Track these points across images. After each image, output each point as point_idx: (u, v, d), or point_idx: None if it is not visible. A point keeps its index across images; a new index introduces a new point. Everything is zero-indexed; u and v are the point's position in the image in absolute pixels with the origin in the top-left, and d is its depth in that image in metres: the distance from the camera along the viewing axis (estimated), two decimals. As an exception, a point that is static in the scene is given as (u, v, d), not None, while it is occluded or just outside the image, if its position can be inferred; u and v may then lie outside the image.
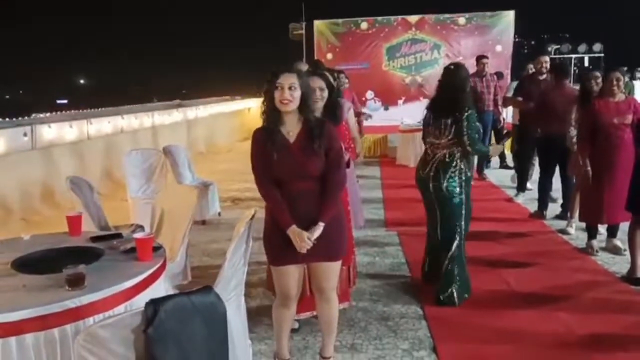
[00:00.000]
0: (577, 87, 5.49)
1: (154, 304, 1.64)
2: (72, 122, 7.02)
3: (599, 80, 4.66)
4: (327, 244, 2.52)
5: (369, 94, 12.65)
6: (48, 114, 7.53)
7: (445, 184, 3.61)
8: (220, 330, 1.81)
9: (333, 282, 2.66)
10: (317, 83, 2.98)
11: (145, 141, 8.77)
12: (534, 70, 6.54)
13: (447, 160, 3.64)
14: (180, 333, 1.67)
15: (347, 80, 6.73)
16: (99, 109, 8.93)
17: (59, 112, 7.94)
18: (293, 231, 2.45)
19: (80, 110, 8.20)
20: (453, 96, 3.60)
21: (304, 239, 2.43)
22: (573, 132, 4.99)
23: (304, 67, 4.50)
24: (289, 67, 2.52)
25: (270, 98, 2.44)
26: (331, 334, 2.77)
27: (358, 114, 6.89)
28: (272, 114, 2.46)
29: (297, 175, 2.45)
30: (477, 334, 3.22)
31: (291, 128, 2.49)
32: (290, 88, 2.40)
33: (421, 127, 9.85)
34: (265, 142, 2.46)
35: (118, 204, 5.77)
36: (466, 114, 3.52)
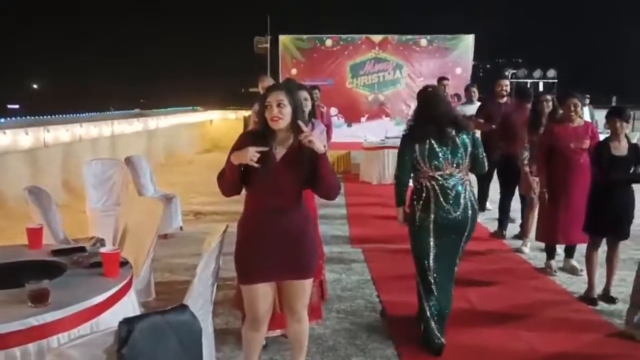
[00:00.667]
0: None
1: (128, 323, 1.58)
2: (27, 129, 6.76)
3: (550, 102, 4.88)
4: (298, 261, 2.50)
5: (333, 111, 12.75)
6: (2, 120, 7.22)
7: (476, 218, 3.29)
8: (195, 350, 1.75)
9: (304, 300, 2.63)
10: (303, 94, 2.99)
11: (104, 150, 8.54)
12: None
13: (472, 188, 3.30)
14: (155, 353, 1.61)
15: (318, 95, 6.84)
16: (57, 116, 8.63)
17: (15, 119, 7.63)
18: (238, 153, 2.36)
19: (39, 118, 7.89)
20: (454, 113, 3.34)
21: (249, 149, 2.32)
22: (525, 153, 5.17)
23: (270, 81, 4.54)
24: (278, 84, 2.52)
25: (261, 117, 2.43)
26: (301, 353, 2.74)
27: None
28: (266, 132, 2.43)
29: (274, 190, 2.42)
30: (443, 352, 3.24)
31: (279, 145, 2.46)
32: (279, 105, 2.37)
33: (384, 145, 9.97)
34: (250, 145, 2.38)
35: (76, 216, 5.58)
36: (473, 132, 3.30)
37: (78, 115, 9.24)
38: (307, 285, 2.62)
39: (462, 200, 3.17)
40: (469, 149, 3.20)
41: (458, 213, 3.15)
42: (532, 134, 5.01)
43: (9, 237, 4.61)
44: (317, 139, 2.38)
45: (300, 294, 2.60)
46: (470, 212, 3.19)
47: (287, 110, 2.38)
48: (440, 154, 3.15)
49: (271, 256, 2.47)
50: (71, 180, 7.11)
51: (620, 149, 3.87)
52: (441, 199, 3.15)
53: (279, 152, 2.45)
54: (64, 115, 8.89)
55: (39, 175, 6.57)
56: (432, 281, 3.25)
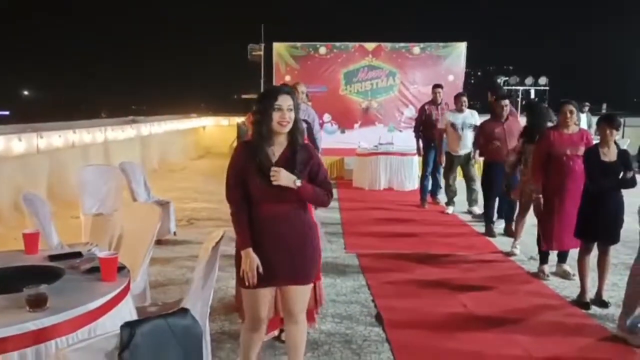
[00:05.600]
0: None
1: (130, 327, 1.58)
2: (21, 135, 6.73)
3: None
4: (299, 268, 2.52)
5: (326, 117, 12.78)
6: (2, 126, 7.19)
7: None
8: (196, 353, 1.76)
9: (303, 305, 2.65)
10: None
11: (97, 157, 8.51)
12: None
13: None
14: (157, 356, 1.61)
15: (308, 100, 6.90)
16: (50, 123, 8.60)
17: (8, 125, 7.59)
18: (248, 253, 2.44)
19: (31, 124, 7.86)
20: None
21: (254, 268, 2.42)
22: (511, 158, 5.43)
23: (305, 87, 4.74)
24: (286, 89, 2.51)
25: (265, 118, 2.41)
26: (298, 357, 2.74)
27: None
28: (267, 134, 2.43)
29: (274, 196, 2.43)
30: (438, 356, 3.27)
31: (276, 148, 2.48)
32: (289, 109, 2.40)
33: (377, 151, 10.08)
34: (250, 161, 2.43)
35: (69, 221, 5.56)
36: None
37: (71, 122, 9.19)
38: (306, 290, 2.64)
39: None
40: None
41: None
42: (526, 143, 5.16)
43: (3, 244, 4.59)
44: (284, 179, 2.39)
45: (300, 298, 2.62)
46: None
47: (293, 115, 2.43)
48: None
49: (272, 262, 2.48)
50: (64, 186, 7.07)
51: (610, 155, 3.92)
52: None
53: (276, 155, 2.47)
54: (57, 122, 8.85)
55: (31, 181, 6.53)
56: None
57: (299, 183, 2.40)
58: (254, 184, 2.42)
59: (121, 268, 2.52)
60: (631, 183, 3.89)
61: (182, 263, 4.99)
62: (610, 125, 3.90)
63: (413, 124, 8.60)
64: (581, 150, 4.37)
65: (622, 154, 3.96)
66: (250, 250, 2.44)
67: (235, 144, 12.32)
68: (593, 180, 3.95)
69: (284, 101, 2.40)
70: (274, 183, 2.37)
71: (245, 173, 2.44)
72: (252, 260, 2.43)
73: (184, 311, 1.77)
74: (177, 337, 1.67)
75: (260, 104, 2.43)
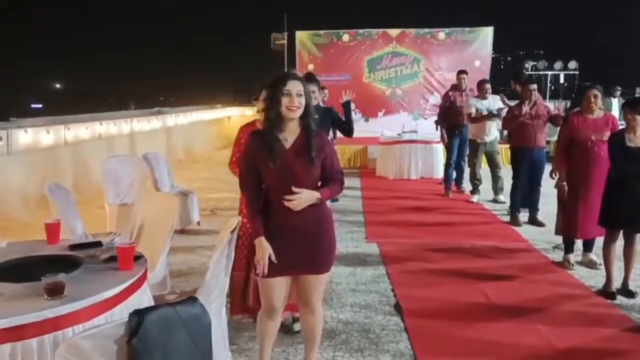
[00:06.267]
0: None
1: (139, 315, 1.61)
2: (49, 127, 6.89)
3: None
4: (314, 257, 2.52)
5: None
6: (29, 119, 7.39)
7: None
8: (204, 342, 1.78)
9: (319, 293, 2.66)
10: (311, 87, 3.05)
11: (123, 148, 8.67)
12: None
13: None
14: (165, 344, 1.64)
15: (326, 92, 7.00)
16: (77, 115, 8.79)
17: (37, 118, 7.80)
18: (260, 242, 2.45)
19: (59, 117, 8.05)
20: None
21: (265, 258, 2.43)
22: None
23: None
24: (295, 74, 2.50)
25: (274, 104, 2.41)
26: (314, 346, 2.76)
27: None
28: (276, 120, 2.42)
29: (289, 184, 2.41)
30: (457, 346, 3.23)
31: (289, 134, 2.46)
32: (298, 95, 2.39)
33: (401, 139, 9.99)
34: (261, 148, 2.42)
35: (95, 212, 5.68)
36: None
37: (97, 114, 9.38)
38: (323, 279, 2.64)
39: None
40: None
41: None
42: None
43: (30, 233, 4.72)
44: (306, 201, 2.41)
45: (315, 287, 2.62)
46: None
47: (303, 101, 2.41)
48: None
49: (287, 252, 2.48)
50: (90, 177, 7.23)
51: (635, 140, 3.80)
52: None
53: (289, 141, 2.45)
54: (84, 115, 9.04)
55: (59, 172, 6.70)
56: None
57: (318, 195, 2.44)
58: (267, 171, 2.42)
59: (138, 257, 2.56)
60: None
61: (205, 252, 5.05)
62: (633, 109, 3.78)
63: (438, 111, 8.48)
64: (606, 135, 4.25)
65: (649, 139, 3.83)
66: (263, 239, 2.45)
67: None
68: (617, 165, 3.84)
69: (293, 86, 2.39)
70: (297, 209, 2.40)
71: (258, 161, 2.43)
72: (264, 249, 2.44)
73: (193, 300, 1.79)
74: (185, 325, 1.69)
75: (270, 90, 2.42)
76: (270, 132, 2.43)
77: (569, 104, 5.19)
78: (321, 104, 4.81)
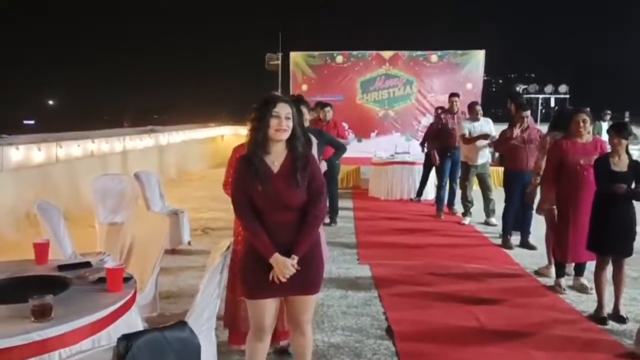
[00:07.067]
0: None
1: (127, 340, 1.59)
2: (40, 145, 6.86)
3: None
4: (305, 277, 2.50)
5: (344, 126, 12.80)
6: (21, 136, 7.36)
7: None
8: (193, 367, 1.76)
9: (309, 314, 2.64)
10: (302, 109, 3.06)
11: (115, 166, 8.64)
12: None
13: None
14: (153, 370, 1.62)
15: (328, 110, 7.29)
16: (69, 132, 8.77)
17: (29, 135, 7.77)
18: (276, 259, 2.42)
19: (51, 134, 8.03)
20: None
21: (288, 267, 2.41)
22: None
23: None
24: (283, 97, 2.52)
25: (262, 125, 2.42)
26: (304, 369, 2.73)
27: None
28: (262, 141, 2.43)
29: (278, 206, 2.42)
30: (449, 371, 3.21)
31: (276, 157, 2.48)
32: (286, 117, 2.41)
33: (393, 160, 10.03)
34: (250, 172, 2.43)
35: (86, 230, 5.62)
36: None
37: (90, 132, 9.36)
38: (312, 300, 2.62)
39: None
40: None
41: None
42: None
43: (20, 252, 4.66)
44: (281, 272, 2.43)
45: (305, 308, 2.60)
46: None
47: (291, 124, 2.44)
48: None
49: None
50: (82, 195, 7.18)
51: (620, 165, 3.85)
52: None
53: (276, 165, 2.47)
54: (77, 132, 9.02)
55: (51, 191, 6.65)
56: None
57: (296, 257, 2.44)
58: (256, 194, 2.42)
59: (128, 278, 2.54)
60: None
61: (195, 273, 5.00)
62: (618, 134, 3.83)
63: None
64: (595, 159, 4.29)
65: (635, 164, 3.87)
66: (277, 254, 2.42)
67: None
68: (602, 188, 3.87)
69: (282, 109, 2.41)
70: (285, 277, 2.42)
71: (248, 186, 2.44)
72: (283, 262, 2.41)
73: (182, 324, 1.77)
74: (174, 350, 1.67)
75: (259, 111, 2.43)
76: (255, 154, 2.44)
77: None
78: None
